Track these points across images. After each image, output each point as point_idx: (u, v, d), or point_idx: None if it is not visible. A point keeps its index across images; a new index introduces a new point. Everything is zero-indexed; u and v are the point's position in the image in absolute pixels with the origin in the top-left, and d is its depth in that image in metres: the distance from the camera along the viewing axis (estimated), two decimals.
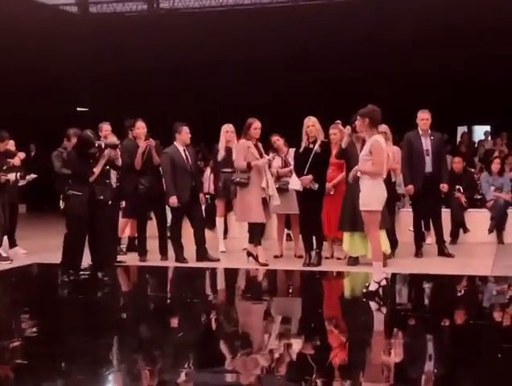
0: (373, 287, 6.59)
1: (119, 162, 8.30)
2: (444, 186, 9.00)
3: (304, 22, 14.30)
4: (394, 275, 7.88)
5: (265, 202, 8.43)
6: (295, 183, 8.39)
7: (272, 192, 8.37)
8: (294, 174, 8.46)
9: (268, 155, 8.63)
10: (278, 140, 9.22)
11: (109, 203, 8.06)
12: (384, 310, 6.49)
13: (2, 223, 8.80)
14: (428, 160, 8.87)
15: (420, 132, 8.93)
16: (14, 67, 14.96)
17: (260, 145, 8.63)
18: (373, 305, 6.43)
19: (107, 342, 5.36)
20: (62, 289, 7.75)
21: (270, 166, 8.69)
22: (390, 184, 8.48)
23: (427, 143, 8.90)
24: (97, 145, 7.77)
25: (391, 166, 8.33)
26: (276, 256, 8.99)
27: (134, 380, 4.54)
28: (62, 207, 8.52)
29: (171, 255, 8.85)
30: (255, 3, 17.52)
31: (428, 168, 8.88)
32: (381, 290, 6.54)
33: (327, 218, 8.49)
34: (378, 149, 6.57)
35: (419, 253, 8.98)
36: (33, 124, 15.98)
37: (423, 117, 8.89)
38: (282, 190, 8.82)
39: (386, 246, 8.27)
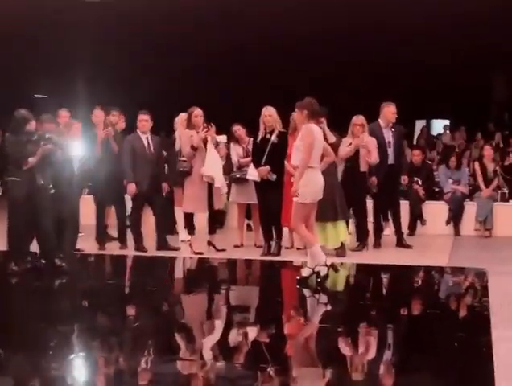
0: (306, 273, 6.67)
1: (56, 157, 7.73)
2: (405, 179, 9.19)
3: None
4: (351, 265, 8.00)
5: (217, 189, 8.41)
6: (252, 174, 8.45)
7: (209, 173, 8.26)
8: (251, 165, 8.49)
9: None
10: (238, 129, 9.20)
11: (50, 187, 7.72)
12: (340, 299, 6.56)
13: None
14: (390, 152, 8.94)
15: (382, 124, 8.99)
16: None
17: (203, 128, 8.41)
18: (313, 292, 6.51)
19: (62, 330, 5.29)
20: (11, 278, 7.51)
21: (216, 145, 8.62)
22: (361, 175, 8.60)
23: (388, 135, 8.98)
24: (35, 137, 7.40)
25: (364, 156, 8.46)
26: (236, 246, 8.99)
27: (91, 368, 4.49)
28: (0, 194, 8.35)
29: (131, 244, 8.80)
30: None
31: (390, 160, 8.96)
32: (315, 277, 6.59)
33: (287, 208, 8.48)
34: (307, 134, 6.62)
35: (377, 244, 9.07)
36: None
37: (393, 111, 8.94)
38: (243, 180, 8.82)
39: (344, 236, 8.34)
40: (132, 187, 8.55)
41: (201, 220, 8.91)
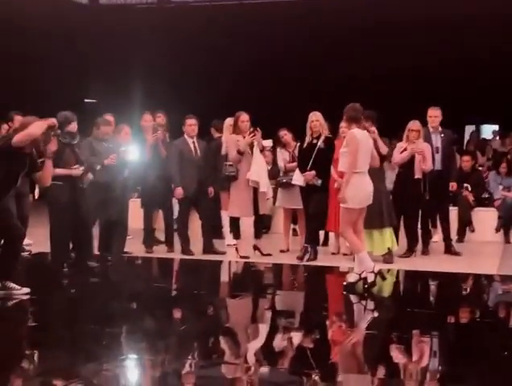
0: (352, 278, 6.62)
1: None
2: (453, 185, 8.99)
3: (321, 17, 14.22)
4: (399, 272, 7.91)
5: (262, 194, 8.41)
6: (298, 179, 8.44)
7: (255, 178, 8.27)
8: (297, 170, 8.48)
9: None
10: (285, 134, 9.19)
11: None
12: (387, 306, 6.50)
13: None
14: (438, 158, 8.82)
15: (430, 129, 8.90)
16: (19, 57, 14.95)
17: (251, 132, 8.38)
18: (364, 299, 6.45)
19: (111, 332, 5.36)
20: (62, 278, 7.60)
21: (262, 150, 8.57)
22: (414, 181, 8.51)
23: (437, 141, 8.87)
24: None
25: (419, 163, 8.35)
26: (282, 251, 8.98)
27: (139, 369, 4.54)
28: (37, 196, 8.46)
29: (178, 247, 8.87)
30: None
31: (438, 166, 8.83)
32: (362, 283, 6.55)
33: (334, 215, 8.37)
34: (351, 140, 6.64)
35: (425, 251, 8.95)
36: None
37: (432, 114, 8.87)
38: (289, 185, 8.81)
39: (391, 243, 8.26)
40: (179, 191, 8.62)
41: (247, 225, 8.93)
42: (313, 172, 8.20)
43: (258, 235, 8.80)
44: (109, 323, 5.61)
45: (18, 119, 7.92)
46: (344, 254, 8.64)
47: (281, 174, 9.08)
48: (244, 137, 8.36)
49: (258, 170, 8.32)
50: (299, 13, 14.15)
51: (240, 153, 8.29)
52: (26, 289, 6.31)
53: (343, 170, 6.79)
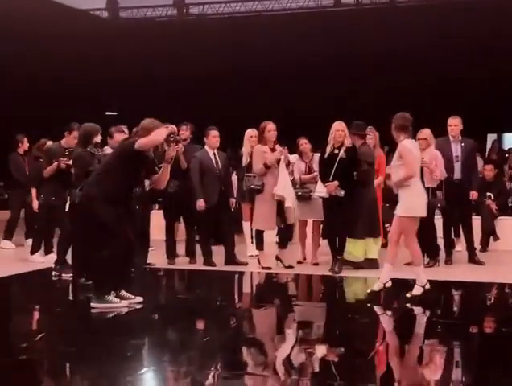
0: (417, 291, 6.66)
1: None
2: (474, 194, 8.89)
3: (335, 28, 14.27)
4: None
5: (288, 208, 8.40)
6: (320, 191, 8.32)
7: (281, 193, 8.27)
8: (319, 182, 8.38)
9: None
10: (306, 143, 9.18)
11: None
12: (417, 316, 6.46)
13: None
14: (457, 166, 8.78)
15: (451, 138, 8.86)
16: (42, 74, 15.14)
17: (279, 148, 8.48)
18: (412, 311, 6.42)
19: (135, 344, 5.38)
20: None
21: (288, 164, 8.61)
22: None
23: (457, 149, 8.82)
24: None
25: (427, 172, 8.32)
26: (300, 262, 8.96)
27: (162, 383, 4.55)
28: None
29: (200, 258, 8.89)
30: (285, 8, 17.53)
31: (457, 175, 8.78)
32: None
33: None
34: (406, 151, 6.69)
35: (448, 260, 8.89)
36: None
37: (451, 123, 8.84)
38: (305, 198, 8.80)
39: (372, 253, 8.46)
40: (202, 203, 8.63)
41: (269, 236, 8.92)
42: (336, 182, 8.12)
43: (283, 245, 8.84)
44: (133, 335, 5.62)
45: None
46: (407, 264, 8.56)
47: (297, 186, 9.04)
48: (271, 148, 8.37)
49: (284, 185, 8.33)
50: (317, 23, 14.20)
51: (267, 167, 8.31)
52: (139, 298, 6.48)
53: (398, 182, 6.77)
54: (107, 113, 19.15)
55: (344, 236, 8.29)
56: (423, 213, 6.82)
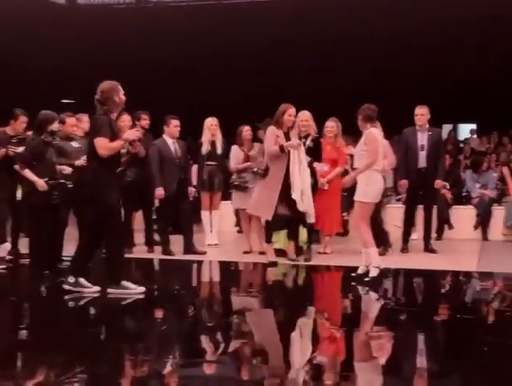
0: (374, 273, 6.85)
1: None
2: (439, 183, 8.96)
3: (300, 16, 14.24)
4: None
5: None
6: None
7: (297, 197, 7.80)
8: None
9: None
10: (247, 130, 9.19)
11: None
12: (366, 302, 6.55)
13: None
14: (422, 155, 8.87)
15: (417, 127, 8.95)
16: None
17: (295, 133, 8.02)
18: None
19: (95, 332, 5.34)
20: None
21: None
22: None
23: (423, 138, 8.91)
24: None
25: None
26: (246, 252, 8.94)
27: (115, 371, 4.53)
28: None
29: (158, 247, 8.87)
30: None
31: (422, 163, 8.88)
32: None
33: (322, 214, 8.40)
34: (371, 139, 6.91)
35: (405, 249, 9.01)
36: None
37: (418, 113, 8.94)
38: (243, 187, 8.82)
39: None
40: (160, 192, 8.59)
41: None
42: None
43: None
44: (90, 324, 5.60)
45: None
46: (325, 253, 8.69)
47: (233, 176, 9.02)
48: (285, 133, 7.94)
49: (298, 188, 7.83)
50: (266, 15, 14.18)
51: (282, 150, 7.82)
52: (97, 288, 6.41)
53: (361, 167, 6.95)
54: (63, 101, 18.87)
55: (312, 224, 8.28)
56: (377, 199, 7.08)
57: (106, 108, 6.22)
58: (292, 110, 7.95)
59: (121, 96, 6.29)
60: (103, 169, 6.20)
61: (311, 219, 8.10)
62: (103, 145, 6.10)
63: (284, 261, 8.26)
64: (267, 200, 7.92)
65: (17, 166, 7.56)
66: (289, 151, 7.86)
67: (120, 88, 6.30)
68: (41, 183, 7.19)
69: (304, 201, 7.86)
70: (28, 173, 7.25)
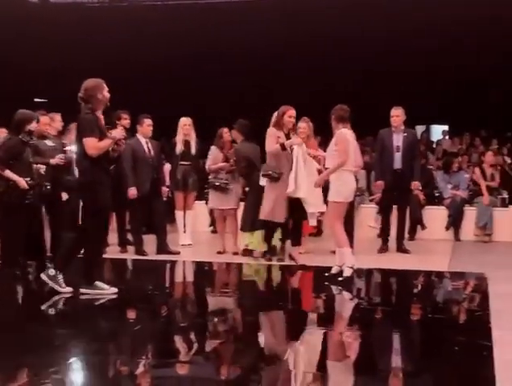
0: (348, 273, 6.86)
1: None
2: (415, 184, 8.99)
3: (285, 16, 14.26)
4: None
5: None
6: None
7: (303, 195, 7.76)
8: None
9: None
10: (226, 132, 9.18)
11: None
12: (341, 302, 6.58)
13: None
14: (398, 156, 8.92)
15: (392, 129, 9.00)
16: None
17: (296, 136, 7.97)
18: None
19: (67, 333, 5.30)
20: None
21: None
22: None
23: (398, 139, 8.96)
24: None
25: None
26: (219, 252, 8.93)
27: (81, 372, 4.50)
28: None
29: (131, 247, 8.83)
30: None
31: (398, 164, 8.93)
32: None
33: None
34: (341, 139, 6.94)
35: (383, 249, 9.06)
36: None
37: (393, 114, 8.99)
38: (221, 188, 8.79)
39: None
40: (133, 191, 8.55)
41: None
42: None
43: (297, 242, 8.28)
44: (61, 325, 5.56)
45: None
46: (300, 253, 8.71)
47: (211, 176, 8.99)
48: (285, 135, 7.92)
49: (304, 187, 7.73)
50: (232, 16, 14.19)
51: (283, 148, 7.80)
52: (69, 289, 6.36)
53: (332, 167, 6.96)
54: (36, 100, 18.69)
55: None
56: (349, 199, 7.11)
57: (90, 106, 6.19)
58: (292, 111, 7.92)
59: (104, 93, 6.27)
60: (96, 168, 6.21)
61: (313, 222, 8.19)
62: (92, 145, 6.10)
63: (256, 261, 8.28)
64: (278, 203, 7.85)
65: None
66: (292, 151, 7.82)
67: (104, 85, 6.29)
68: (22, 183, 7.15)
69: (310, 201, 7.81)
70: (9, 173, 7.18)
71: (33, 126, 7.35)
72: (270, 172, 7.93)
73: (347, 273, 6.91)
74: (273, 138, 7.91)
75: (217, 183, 8.82)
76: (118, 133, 6.48)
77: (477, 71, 14.61)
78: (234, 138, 9.02)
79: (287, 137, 7.96)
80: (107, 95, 6.29)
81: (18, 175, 7.17)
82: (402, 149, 8.91)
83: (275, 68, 15.10)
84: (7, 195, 7.19)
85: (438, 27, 13.10)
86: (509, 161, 13.96)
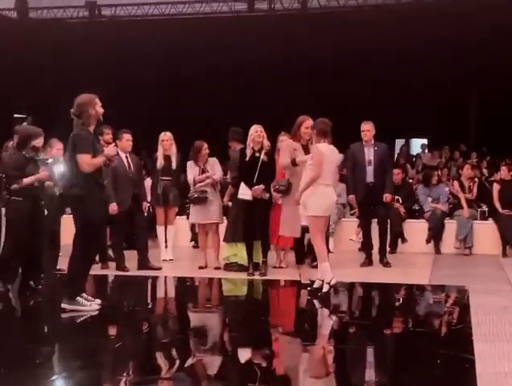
0: (325, 288, 6.88)
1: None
2: (387, 197, 9.02)
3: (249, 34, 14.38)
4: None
5: None
6: (245, 193, 8.16)
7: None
8: (242, 184, 8.20)
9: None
10: (206, 149, 9.05)
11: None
12: (323, 316, 6.58)
13: None
14: (370, 170, 8.97)
15: (364, 143, 9.05)
16: None
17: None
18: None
19: (48, 350, 5.25)
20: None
21: None
22: None
23: (369, 154, 9.01)
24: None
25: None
26: (201, 267, 8.84)
27: None
28: None
29: (112, 263, 8.77)
30: (198, 12, 17.55)
31: (370, 178, 8.98)
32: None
33: (276, 228, 8.23)
34: (316, 153, 6.95)
35: (366, 262, 9.06)
36: None
37: (364, 129, 9.04)
38: (201, 200, 8.71)
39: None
40: (114, 207, 8.50)
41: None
42: (262, 186, 8.06)
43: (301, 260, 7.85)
44: (43, 342, 5.50)
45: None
46: (281, 267, 8.72)
47: (192, 189, 8.92)
48: (303, 146, 7.70)
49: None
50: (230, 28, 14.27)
51: (294, 164, 7.60)
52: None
53: (307, 182, 6.94)
54: (15, 116, 18.61)
55: (267, 239, 8.31)
56: (328, 212, 7.12)
57: (82, 122, 6.18)
58: (309, 122, 7.63)
59: (97, 108, 6.28)
60: (90, 183, 6.21)
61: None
62: (86, 162, 6.13)
63: (238, 276, 8.27)
64: (292, 217, 7.52)
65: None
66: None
67: (97, 100, 6.30)
68: (44, 174, 7.26)
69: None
70: (27, 179, 7.16)
71: (38, 142, 7.33)
72: (277, 186, 7.87)
73: (324, 288, 6.89)
74: (287, 151, 7.75)
75: (196, 195, 8.79)
76: (111, 150, 6.53)
77: (457, 86, 14.77)
78: (233, 148, 9.00)
79: (305, 148, 7.71)
80: (100, 110, 6.30)
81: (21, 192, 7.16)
82: (373, 163, 8.97)
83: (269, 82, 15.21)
84: (8, 211, 7.24)
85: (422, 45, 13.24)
86: (486, 174, 14.08)
